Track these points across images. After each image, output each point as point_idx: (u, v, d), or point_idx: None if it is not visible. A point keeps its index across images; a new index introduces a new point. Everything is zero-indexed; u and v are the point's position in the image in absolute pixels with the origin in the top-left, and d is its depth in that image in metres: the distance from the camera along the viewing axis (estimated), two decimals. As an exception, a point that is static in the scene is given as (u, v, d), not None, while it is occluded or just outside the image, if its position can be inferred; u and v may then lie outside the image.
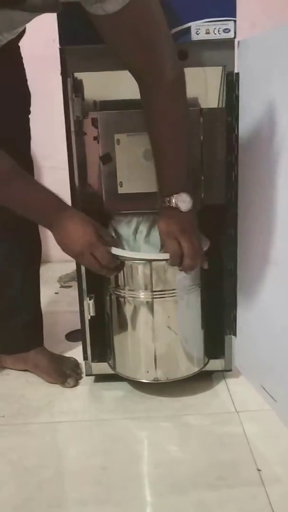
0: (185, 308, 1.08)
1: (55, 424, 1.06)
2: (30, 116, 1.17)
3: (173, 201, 0.93)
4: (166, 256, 0.98)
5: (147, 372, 1.09)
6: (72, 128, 1.03)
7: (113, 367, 1.15)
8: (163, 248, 1.01)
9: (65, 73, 1.00)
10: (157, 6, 0.85)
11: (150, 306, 1.05)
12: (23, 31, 1.06)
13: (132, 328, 1.08)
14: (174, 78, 0.89)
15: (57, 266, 2.04)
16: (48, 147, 1.83)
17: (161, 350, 1.08)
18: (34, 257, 1.24)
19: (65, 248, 0.94)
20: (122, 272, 1.04)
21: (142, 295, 1.05)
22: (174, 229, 0.95)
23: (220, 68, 1.00)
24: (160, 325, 1.06)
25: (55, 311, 1.68)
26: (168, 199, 0.94)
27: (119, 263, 1.00)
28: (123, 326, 1.09)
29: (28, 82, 1.15)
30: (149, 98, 0.92)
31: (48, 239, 2.26)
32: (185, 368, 1.11)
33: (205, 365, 1.15)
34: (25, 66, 1.13)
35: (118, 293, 1.07)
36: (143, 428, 1.05)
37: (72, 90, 1.01)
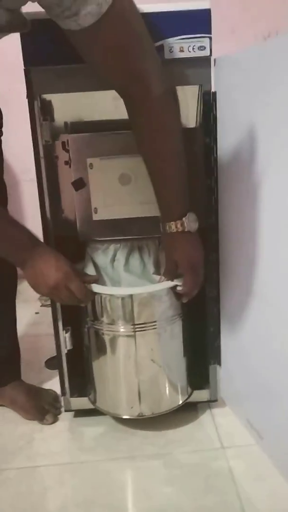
0: (168, 339, 1.03)
1: (33, 470, 0.99)
2: (3, 137, 1.10)
3: (185, 224, 0.88)
4: (168, 284, 0.96)
5: (131, 407, 1.04)
6: (41, 154, 0.97)
7: (94, 402, 1.09)
8: (166, 275, 0.96)
9: (32, 95, 0.94)
10: (136, 16, 0.80)
11: (132, 340, 0.99)
12: None
13: (114, 362, 1.02)
14: (162, 91, 0.84)
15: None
16: (27, 160, 1.76)
17: (145, 384, 1.02)
18: (10, 287, 1.18)
19: (39, 284, 0.88)
20: (100, 304, 0.99)
21: (123, 329, 0.99)
22: (196, 261, 0.92)
23: (197, 87, 0.95)
24: (143, 358, 1.00)
25: (35, 334, 1.62)
26: (176, 223, 0.88)
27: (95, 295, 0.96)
28: (103, 360, 1.03)
29: (5, 93, 1.08)
30: (137, 115, 0.86)
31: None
32: (171, 401, 1.06)
33: (189, 396, 1.09)
34: (1, 75, 1.06)
35: (98, 326, 1.01)
36: (125, 470, 0.99)
37: (40, 113, 0.95)
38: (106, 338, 1.01)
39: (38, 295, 1.95)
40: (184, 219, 0.88)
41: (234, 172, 0.96)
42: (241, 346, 1.03)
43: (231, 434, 1.05)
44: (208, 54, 0.90)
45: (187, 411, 1.11)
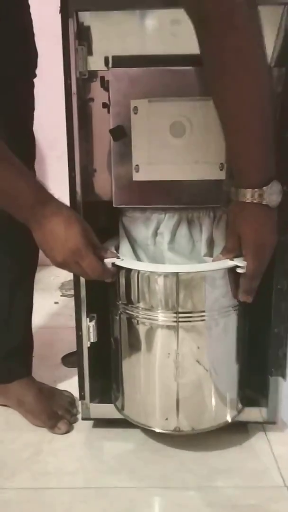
0: (219, 336, 0.81)
1: (37, 493, 0.78)
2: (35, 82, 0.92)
3: (265, 195, 0.68)
4: (225, 264, 0.75)
5: (166, 419, 0.82)
6: (74, 89, 0.76)
7: (121, 409, 0.87)
8: (225, 254, 0.77)
9: (66, 11, 0.73)
10: None
11: (174, 332, 0.78)
12: None
13: (148, 360, 0.81)
14: (250, 12, 0.63)
15: (60, 271, 1.76)
16: (55, 134, 1.59)
17: (186, 391, 0.80)
18: (28, 269, 0.99)
19: (46, 254, 0.73)
20: (136, 285, 0.78)
21: (163, 317, 0.78)
22: (264, 243, 0.73)
23: (280, 8, 0.72)
24: (186, 358, 0.79)
25: (53, 325, 1.43)
26: (254, 192, 0.69)
27: (115, 271, 0.78)
28: (136, 357, 0.82)
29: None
30: (213, 45, 0.65)
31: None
32: (216, 416, 0.84)
33: (239, 412, 0.87)
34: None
35: (131, 312, 0.80)
36: (154, 504, 0.76)
37: (76, 36, 0.74)
38: (141, 328, 0.80)
39: (60, 283, 1.78)
40: (265, 188, 0.69)
41: None
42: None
43: (296, 468, 0.81)
44: None
45: (235, 433, 0.89)
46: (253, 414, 0.88)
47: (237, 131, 0.69)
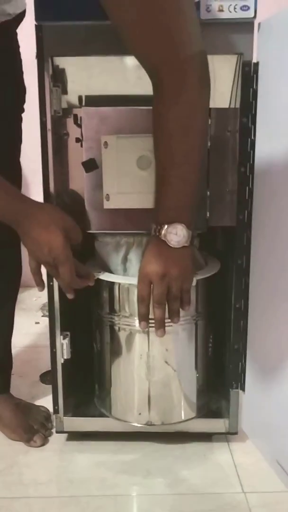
0: (185, 340, 0.89)
1: (11, 502, 0.82)
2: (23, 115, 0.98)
3: (163, 232, 0.73)
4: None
5: (140, 414, 0.90)
6: (49, 126, 0.83)
7: (103, 407, 0.95)
8: None
9: (42, 56, 0.80)
10: None
11: (145, 336, 0.87)
12: (22, 14, 0.88)
13: (127, 362, 0.90)
14: (199, 78, 0.68)
15: (41, 292, 1.82)
16: (39, 161, 1.66)
17: (156, 388, 0.89)
18: (11, 291, 1.04)
19: (32, 254, 0.79)
20: (117, 295, 0.88)
21: (137, 323, 0.83)
22: (153, 272, 0.75)
23: (235, 56, 0.81)
24: (156, 358, 0.88)
25: (33, 345, 1.47)
26: (157, 227, 0.74)
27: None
28: (117, 360, 0.91)
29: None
30: (163, 106, 0.70)
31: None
32: (184, 412, 0.92)
33: (204, 410, 0.94)
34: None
35: (112, 320, 0.89)
36: (122, 510, 0.81)
37: (51, 78, 0.82)
38: (120, 333, 0.89)
39: (41, 304, 1.83)
40: (165, 225, 0.73)
41: (275, 158, 0.81)
42: (272, 369, 0.86)
43: (254, 476, 0.87)
44: (252, 16, 0.77)
45: (200, 444, 0.94)
46: (217, 425, 0.94)
47: (161, 180, 0.74)
